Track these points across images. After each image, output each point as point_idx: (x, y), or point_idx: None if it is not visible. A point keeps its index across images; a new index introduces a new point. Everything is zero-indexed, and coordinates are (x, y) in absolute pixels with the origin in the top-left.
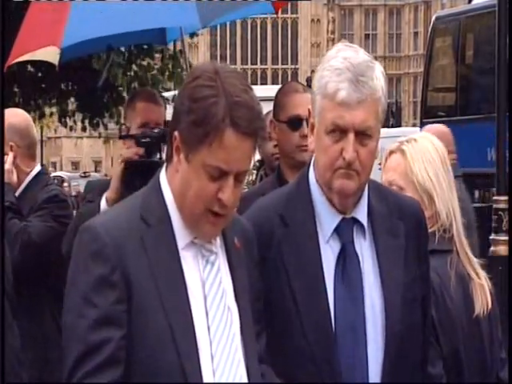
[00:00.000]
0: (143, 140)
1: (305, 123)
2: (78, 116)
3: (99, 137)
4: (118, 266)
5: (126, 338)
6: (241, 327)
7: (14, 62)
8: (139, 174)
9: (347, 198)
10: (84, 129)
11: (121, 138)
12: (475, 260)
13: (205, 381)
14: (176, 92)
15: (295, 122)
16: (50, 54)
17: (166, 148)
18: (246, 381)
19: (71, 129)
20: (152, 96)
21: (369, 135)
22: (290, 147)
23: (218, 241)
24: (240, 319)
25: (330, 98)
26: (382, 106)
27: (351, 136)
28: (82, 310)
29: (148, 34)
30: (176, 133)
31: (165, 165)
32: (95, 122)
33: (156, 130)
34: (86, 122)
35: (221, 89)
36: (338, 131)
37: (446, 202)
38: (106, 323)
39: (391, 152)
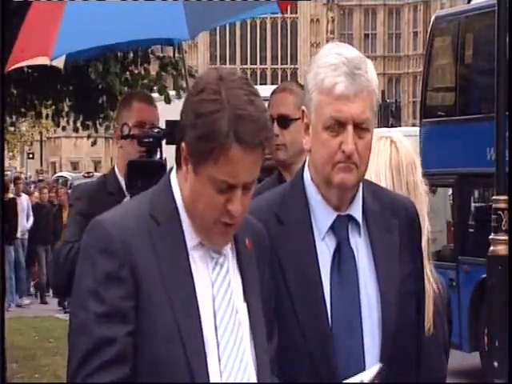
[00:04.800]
0: (145, 140)
1: (275, 122)
2: (72, 116)
3: (88, 138)
4: (126, 262)
5: (133, 334)
6: (250, 327)
7: (12, 68)
8: (141, 173)
9: (346, 192)
10: (76, 129)
11: (122, 137)
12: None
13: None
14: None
15: None
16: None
17: (175, 151)
18: (254, 382)
19: (64, 129)
20: (148, 97)
21: (366, 128)
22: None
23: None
24: (250, 319)
25: (327, 93)
26: (375, 97)
27: (350, 128)
28: (90, 305)
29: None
30: (183, 144)
31: (175, 167)
32: (87, 123)
33: (156, 131)
34: (79, 122)
35: (225, 102)
36: (337, 125)
37: None
38: (114, 319)
39: None
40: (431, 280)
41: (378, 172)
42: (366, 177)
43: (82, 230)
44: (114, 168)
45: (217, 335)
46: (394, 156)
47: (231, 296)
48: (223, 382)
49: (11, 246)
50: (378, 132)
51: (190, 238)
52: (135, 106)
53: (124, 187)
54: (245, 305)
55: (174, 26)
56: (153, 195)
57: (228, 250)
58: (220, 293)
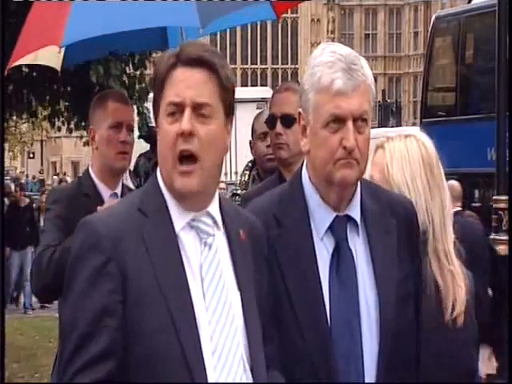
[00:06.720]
0: None
1: (279, 121)
2: (69, 118)
3: (84, 145)
4: (113, 258)
5: (121, 329)
6: (244, 316)
7: (14, 64)
8: None
9: (347, 189)
10: (70, 130)
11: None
12: (455, 269)
13: (205, 361)
14: None
15: (270, 121)
16: (52, 58)
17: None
18: (244, 361)
19: (59, 129)
20: (123, 97)
21: (365, 120)
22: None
23: (221, 230)
24: (243, 308)
25: (325, 91)
26: (372, 93)
27: (350, 123)
28: (78, 302)
29: (149, 40)
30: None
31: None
32: (82, 124)
33: None
34: (72, 123)
35: (172, 52)
36: (336, 122)
37: (422, 206)
38: (102, 315)
39: (377, 147)
40: (462, 276)
41: (414, 176)
42: (402, 182)
43: (62, 233)
44: (88, 170)
45: (207, 315)
46: (425, 156)
47: (220, 276)
48: (214, 362)
49: (17, 252)
50: (395, 131)
51: (178, 221)
52: (111, 107)
53: (99, 188)
54: (238, 294)
55: (185, 14)
56: (142, 192)
57: (222, 237)
58: (209, 274)
